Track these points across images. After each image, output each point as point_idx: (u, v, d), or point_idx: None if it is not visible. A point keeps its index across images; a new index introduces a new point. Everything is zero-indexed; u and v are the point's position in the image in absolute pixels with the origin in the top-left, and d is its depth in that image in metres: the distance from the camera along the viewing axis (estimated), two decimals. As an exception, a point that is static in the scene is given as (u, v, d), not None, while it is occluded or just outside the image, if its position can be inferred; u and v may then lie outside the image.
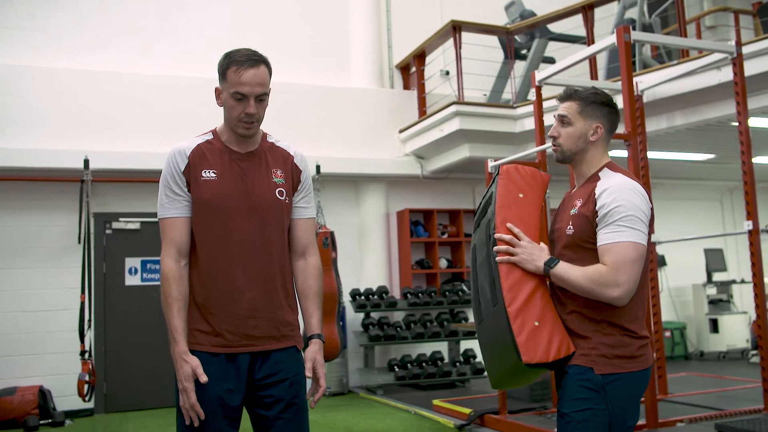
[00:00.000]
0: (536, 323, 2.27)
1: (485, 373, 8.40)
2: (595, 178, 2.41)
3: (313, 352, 2.49)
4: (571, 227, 2.38)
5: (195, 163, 2.46)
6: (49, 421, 7.11)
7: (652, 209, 2.36)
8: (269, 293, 2.47)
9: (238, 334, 2.42)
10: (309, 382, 2.58)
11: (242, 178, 2.49)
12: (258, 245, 2.47)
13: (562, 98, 2.50)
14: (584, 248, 2.33)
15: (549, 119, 7.11)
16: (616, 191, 2.28)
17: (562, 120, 2.47)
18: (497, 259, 2.36)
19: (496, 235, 2.39)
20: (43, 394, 7.26)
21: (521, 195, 2.46)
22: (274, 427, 2.44)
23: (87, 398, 6.80)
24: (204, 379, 2.32)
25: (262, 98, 2.48)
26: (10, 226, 7.67)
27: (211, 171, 2.46)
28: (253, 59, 2.43)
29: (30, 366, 7.51)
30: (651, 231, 2.36)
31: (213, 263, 2.44)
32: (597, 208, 2.29)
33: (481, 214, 2.55)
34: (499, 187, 2.47)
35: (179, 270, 2.41)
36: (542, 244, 2.41)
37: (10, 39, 7.90)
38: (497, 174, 2.53)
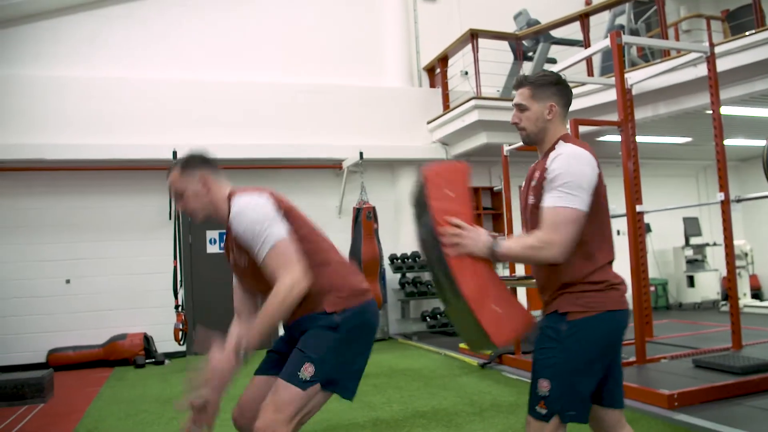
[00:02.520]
0: (496, 309, 2.11)
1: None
2: (550, 150, 2.20)
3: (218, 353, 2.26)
4: (532, 197, 2.20)
5: None
6: (153, 360, 7.45)
7: (600, 175, 2.14)
8: None
9: None
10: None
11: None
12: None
13: (515, 86, 2.30)
14: None
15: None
16: (562, 160, 2.10)
17: (519, 107, 2.26)
18: (450, 252, 2.14)
19: (441, 229, 2.16)
20: (147, 339, 7.57)
21: (452, 193, 2.23)
22: None
23: (181, 342, 7.08)
24: None
25: (178, 196, 2.38)
26: (118, 206, 7.95)
27: None
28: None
29: (136, 317, 7.80)
30: (601, 195, 2.15)
31: None
32: (546, 175, 2.12)
33: (418, 215, 2.28)
34: (430, 191, 2.21)
35: None
36: (480, 228, 2.19)
37: (111, 55, 8.14)
38: (423, 181, 2.24)
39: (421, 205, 2.24)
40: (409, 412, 4.53)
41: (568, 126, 5.26)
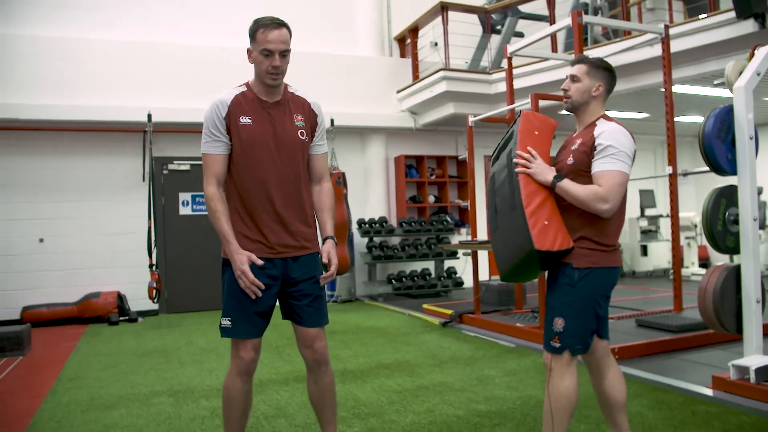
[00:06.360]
0: (546, 222, 2.45)
1: (464, 285, 8.96)
2: (593, 125, 2.57)
3: (327, 247, 2.63)
4: (572, 159, 2.55)
5: (234, 111, 2.52)
6: (126, 318, 7.62)
7: (635, 151, 2.55)
8: (297, 213, 2.59)
9: (276, 243, 2.54)
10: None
11: (271, 123, 2.55)
12: (287, 175, 2.56)
13: (574, 62, 2.67)
14: (581, 175, 2.52)
15: (518, 84, 7.42)
16: (611, 133, 2.47)
17: (573, 78, 2.63)
18: (516, 169, 2.53)
19: (517, 152, 2.56)
20: (121, 298, 7.73)
21: (536, 132, 2.64)
22: (304, 312, 2.60)
23: (155, 300, 7.23)
24: (259, 262, 2.49)
25: (284, 54, 2.50)
26: (90, 167, 8.03)
27: (247, 117, 2.52)
28: (277, 23, 2.49)
29: (109, 276, 7.95)
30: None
31: (254, 190, 2.52)
32: (596, 144, 2.47)
33: (502, 148, 2.71)
34: (520, 125, 2.65)
35: (220, 194, 2.52)
36: (552, 167, 2.59)
37: (83, 17, 8.12)
38: (518, 116, 2.69)
39: (511, 133, 2.68)
40: (373, 363, 4.87)
41: (531, 102, 5.57)
